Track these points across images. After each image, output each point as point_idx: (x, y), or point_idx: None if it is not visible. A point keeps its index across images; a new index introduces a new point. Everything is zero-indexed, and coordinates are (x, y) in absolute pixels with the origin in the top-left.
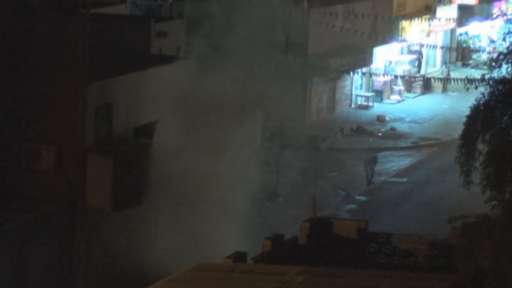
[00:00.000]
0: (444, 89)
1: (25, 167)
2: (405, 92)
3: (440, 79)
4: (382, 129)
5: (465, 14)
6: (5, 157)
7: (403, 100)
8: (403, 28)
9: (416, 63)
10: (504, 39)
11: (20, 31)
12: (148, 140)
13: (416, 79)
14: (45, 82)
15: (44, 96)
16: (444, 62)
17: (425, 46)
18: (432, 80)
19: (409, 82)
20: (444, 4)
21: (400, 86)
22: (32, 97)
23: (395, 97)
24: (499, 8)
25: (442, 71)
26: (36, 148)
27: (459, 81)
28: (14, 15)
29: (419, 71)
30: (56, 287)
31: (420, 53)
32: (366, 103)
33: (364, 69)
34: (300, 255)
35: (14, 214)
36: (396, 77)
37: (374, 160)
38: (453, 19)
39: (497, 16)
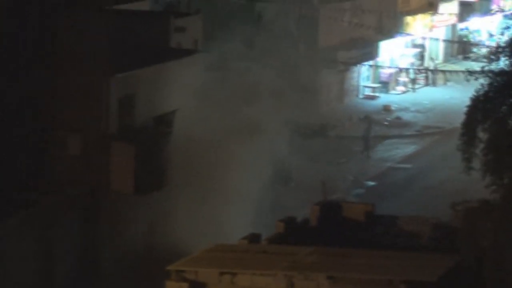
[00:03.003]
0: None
1: (53, 153)
2: (410, 83)
3: (443, 71)
4: (388, 118)
5: (466, 10)
6: (34, 144)
7: (407, 91)
8: (407, 23)
9: (420, 56)
10: (502, 34)
11: (48, 26)
12: (168, 128)
13: (420, 71)
14: (71, 75)
15: (71, 88)
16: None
17: (428, 40)
18: (435, 72)
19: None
20: (446, 1)
21: (405, 77)
22: (60, 89)
23: (400, 88)
24: (498, 5)
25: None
26: (64, 135)
27: (460, 73)
28: (41, 11)
29: (422, 64)
30: (80, 267)
31: (423, 46)
32: (372, 94)
33: (371, 62)
34: (311, 236)
35: (41, 197)
36: (401, 69)
37: (369, 126)
38: (455, 15)
39: (495, 12)
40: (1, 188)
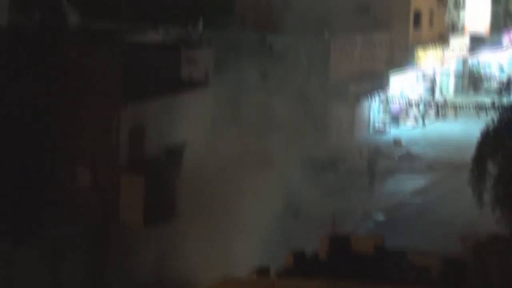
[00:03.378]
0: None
1: (63, 184)
2: (420, 117)
3: (454, 106)
4: (398, 152)
5: (476, 43)
6: (44, 176)
7: (418, 125)
8: (418, 57)
9: (431, 90)
10: None
11: (59, 57)
12: (178, 160)
13: (431, 105)
14: (82, 106)
15: (81, 119)
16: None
17: (439, 74)
18: (445, 106)
19: (424, 108)
20: (457, 34)
21: (415, 111)
22: (70, 120)
23: (411, 121)
24: (509, 38)
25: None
26: (73, 167)
27: (471, 107)
28: (52, 41)
29: (433, 97)
30: None
31: (434, 80)
32: (383, 127)
33: (381, 95)
34: (320, 269)
35: (52, 228)
36: (411, 103)
37: (372, 158)
38: (466, 48)
39: (506, 47)
40: (11, 219)
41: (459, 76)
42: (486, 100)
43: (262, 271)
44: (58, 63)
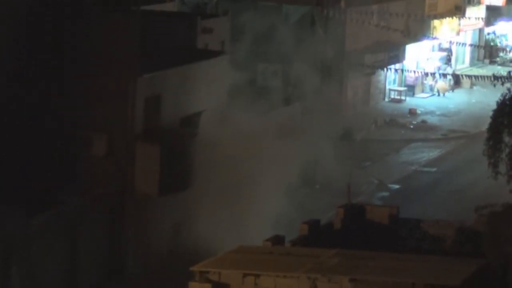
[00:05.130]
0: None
1: (79, 153)
2: (435, 87)
3: (468, 76)
4: (413, 122)
5: (493, 14)
6: (60, 144)
7: (433, 95)
8: (434, 27)
9: (446, 60)
10: None
11: (75, 26)
12: (194, 129)
13: (447, 75)
14: (98, 74)
15: (97, 87)
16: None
17: (455, 44)
18: (461, 76)
19: (440, 78)
20: (473, 5)
21: (431, 81)
22: (86, 88)
23: (426, 91)
24: None
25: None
26: (89, 136)
27: (486, 78)
28: (68, 10)
29: (448, 67)
30: (105, 267)
31: (450, 50)
32: (398, 97)
33: (397, 65)
34: (334, 238)
35: (67, 197)
36: (426, 73)
37: None
38: (482, 19)
39: None
40: (27, 188)
41: (475, 47)
42: (502, 70)
43: (277, 240)
44: (75, 32)
